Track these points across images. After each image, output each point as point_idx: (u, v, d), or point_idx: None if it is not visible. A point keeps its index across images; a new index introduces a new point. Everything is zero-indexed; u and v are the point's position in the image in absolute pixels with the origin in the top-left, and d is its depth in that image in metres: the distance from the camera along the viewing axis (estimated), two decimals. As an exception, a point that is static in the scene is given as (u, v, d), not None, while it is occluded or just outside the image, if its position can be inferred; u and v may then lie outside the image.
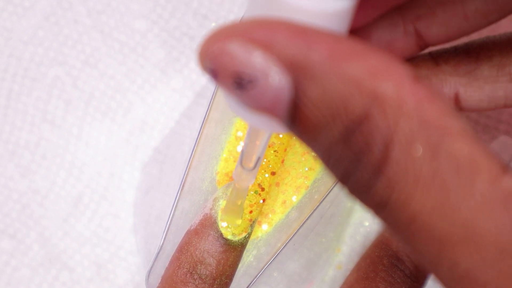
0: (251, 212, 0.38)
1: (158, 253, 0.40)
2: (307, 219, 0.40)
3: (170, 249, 0.40)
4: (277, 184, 0.41)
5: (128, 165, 0.45)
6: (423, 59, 0.34)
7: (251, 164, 0.32)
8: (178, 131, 0.45)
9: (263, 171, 0.39)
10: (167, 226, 0.40)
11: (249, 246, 0.41)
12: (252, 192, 0.38)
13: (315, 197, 0.41)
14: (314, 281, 0.45)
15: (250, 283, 0.41)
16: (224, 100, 0.41)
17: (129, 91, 0.45)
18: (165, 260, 0.40)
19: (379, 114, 0.21)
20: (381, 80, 0.21)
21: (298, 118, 0.22)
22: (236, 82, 0.22)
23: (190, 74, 0.45)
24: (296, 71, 0.21)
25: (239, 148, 0.41)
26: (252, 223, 0.38)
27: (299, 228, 0.40)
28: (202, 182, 0.41)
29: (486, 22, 0.31)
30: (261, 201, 0.38)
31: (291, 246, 0.44)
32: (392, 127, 0.21)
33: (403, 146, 0.21)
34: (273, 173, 0.39)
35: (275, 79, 0.22)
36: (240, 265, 0.41)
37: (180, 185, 0.40)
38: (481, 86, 0.33)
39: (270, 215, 0.41)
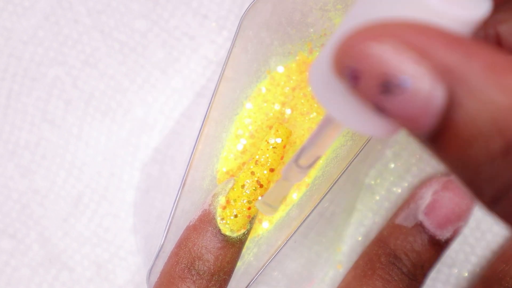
0: (249, 208, 0.38)
1: (159, 252, 0.40)
2: (307, 217, 0.40)
3: (171, 249, 0.40)
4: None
5: (128, 165, 0.45)
6: None
7: (307, 163, 0.30)
8: (178, 131, 0.45)
9: (261, 167, 0.39)
10: (168, 225, 0.40)
11: (250, 244, 0.41)
12: (251, 189, 0.38)
13: (315, 195, 0.41)
14: (314, 280, 0.44)
15: (250, 282, 0.41)
16: (224, 100, 0.41)
17: (129, 91, 0.45)
18: (166, 260, 0.40)
19: None
20: None
21: (447, 131, 0.20)
22: (381, 85, 0.20)
23: (190, 74, 0.45)
24: (452, 81, 0.20)
25: (239, 147, 0.41)
26: (251, 220, 0.38)
27: (299, 226, 0.40)
28: (203, 181, 0.41)
29: None
30: (260, 198, 0.38)
31: (291, 245, 0.44)
32: None
33: None
34: (271, 170, 0.39)
35: (427, 86, 0.20)
36: (240, 264, 0.41)
37: (181, 184, 0.40)
38: None
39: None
